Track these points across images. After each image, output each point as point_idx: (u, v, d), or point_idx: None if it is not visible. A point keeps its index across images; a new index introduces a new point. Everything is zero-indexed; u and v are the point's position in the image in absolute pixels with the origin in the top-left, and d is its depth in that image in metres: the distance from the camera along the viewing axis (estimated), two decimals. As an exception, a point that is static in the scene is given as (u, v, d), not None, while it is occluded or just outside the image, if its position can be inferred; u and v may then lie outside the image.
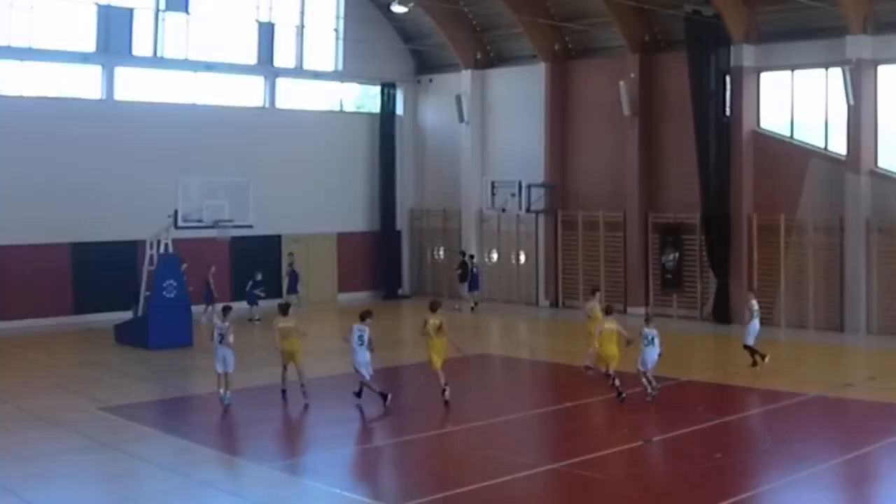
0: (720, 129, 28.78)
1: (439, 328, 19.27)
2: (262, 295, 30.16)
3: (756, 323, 22.12)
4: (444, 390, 19.01)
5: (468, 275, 33.61)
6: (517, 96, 34.75)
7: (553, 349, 26.98)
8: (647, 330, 19.26)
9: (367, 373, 18.84)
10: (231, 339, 18.79)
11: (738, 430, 17.38)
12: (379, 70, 36.56)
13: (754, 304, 22.35)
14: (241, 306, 28.56)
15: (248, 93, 34.37)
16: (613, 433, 17.45)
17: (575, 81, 33.26)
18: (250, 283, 30.35)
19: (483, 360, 24.36)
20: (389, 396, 18.81)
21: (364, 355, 18.73)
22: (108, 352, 25.37)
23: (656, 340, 19.14)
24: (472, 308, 32.85)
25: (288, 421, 19.18)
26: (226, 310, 19.48)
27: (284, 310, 19.91)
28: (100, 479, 15.10)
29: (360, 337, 18.77)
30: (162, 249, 26.06)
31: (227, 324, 18.96)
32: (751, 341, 22.07)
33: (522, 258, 34.59)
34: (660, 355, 19.24)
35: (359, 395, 19.16)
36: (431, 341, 19.24)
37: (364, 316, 19.03)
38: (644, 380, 19.06)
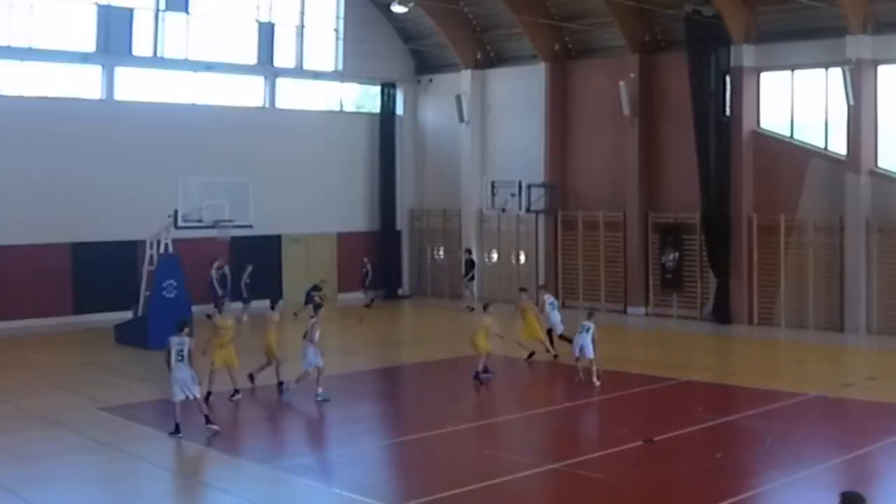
0: (720, 129, 28.76)
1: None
2: (318, 299, 30.30)
3: (556, 313, 23.85)
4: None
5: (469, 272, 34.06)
6: (517, 96, 34.73)
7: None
8: (586, 322, 20.95)
9: (189, 392, 16.50)
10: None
11: (738, 430, 17.34)
12: (379, 70, 36.55)
13: (549, 296, 24.66)
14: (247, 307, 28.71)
15: (248, 93, 34.35)
16: (613, 433, 17.43)
17: (575, 81, 33.24)
18: (311, 285, 30.68)
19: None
20: (180, 434, 16.53)
21: (185, 372, 16.43)
22: (108, 352, 25.34)
23: (591, 331, 20.70)
24: (369, 305, 34.22)
25: (288, 421, 19.18)
26: (316, 307, 20.35)
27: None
28: (100, 479, 15.09)
29: (180, 351, 16.43)
30: (162, 249, 26.05)
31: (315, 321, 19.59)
32: (561, 329, 23.56)
33: (522, 258, 34.57)
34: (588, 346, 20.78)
35: (177, 430, 16.53)
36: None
37: (181, 326, 16.78)
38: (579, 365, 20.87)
